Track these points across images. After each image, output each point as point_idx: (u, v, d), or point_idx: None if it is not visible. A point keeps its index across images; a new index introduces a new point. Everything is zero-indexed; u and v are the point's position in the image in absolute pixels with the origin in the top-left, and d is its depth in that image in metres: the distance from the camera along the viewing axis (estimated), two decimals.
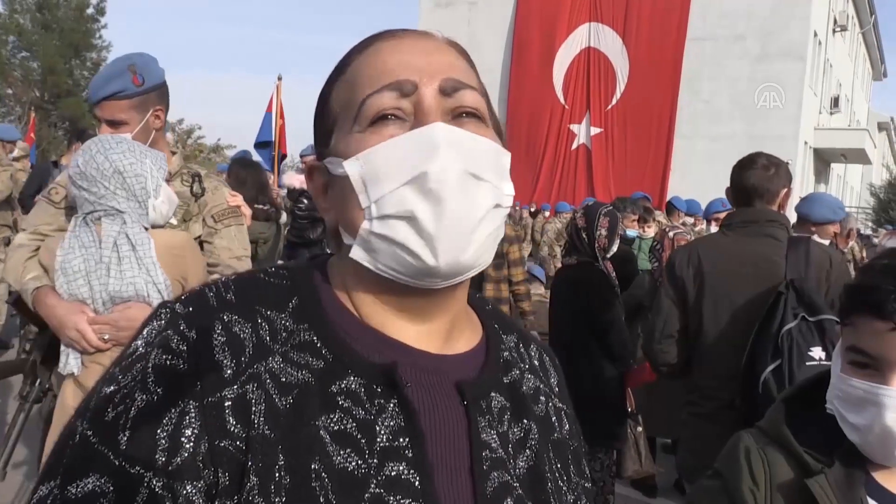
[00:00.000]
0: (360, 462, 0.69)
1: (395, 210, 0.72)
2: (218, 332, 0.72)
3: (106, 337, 2.00)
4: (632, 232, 6.11)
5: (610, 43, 22.94)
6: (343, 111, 0.79)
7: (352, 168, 0.75)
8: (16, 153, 8.17)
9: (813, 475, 1.18)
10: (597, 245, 3.78)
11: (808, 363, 2.40)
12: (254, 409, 0.69)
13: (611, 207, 4.04)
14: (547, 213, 15.22)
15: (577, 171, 23.20)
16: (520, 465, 0.80)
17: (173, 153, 2.47)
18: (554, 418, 0.90)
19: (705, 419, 2.76)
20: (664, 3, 22.06)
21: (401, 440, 0.72)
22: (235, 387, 0.69)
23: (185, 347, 0.70)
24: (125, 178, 2.00)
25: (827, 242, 4.47)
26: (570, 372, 3.71)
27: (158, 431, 0.68)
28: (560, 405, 0.93)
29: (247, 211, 2.63)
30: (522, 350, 0.92)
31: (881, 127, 39.84)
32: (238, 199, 2.56)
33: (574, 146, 23.42)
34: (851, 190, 35.01)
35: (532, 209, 16.13)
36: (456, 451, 0.75)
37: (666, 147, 21.95)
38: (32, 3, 28.19)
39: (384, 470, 0.70)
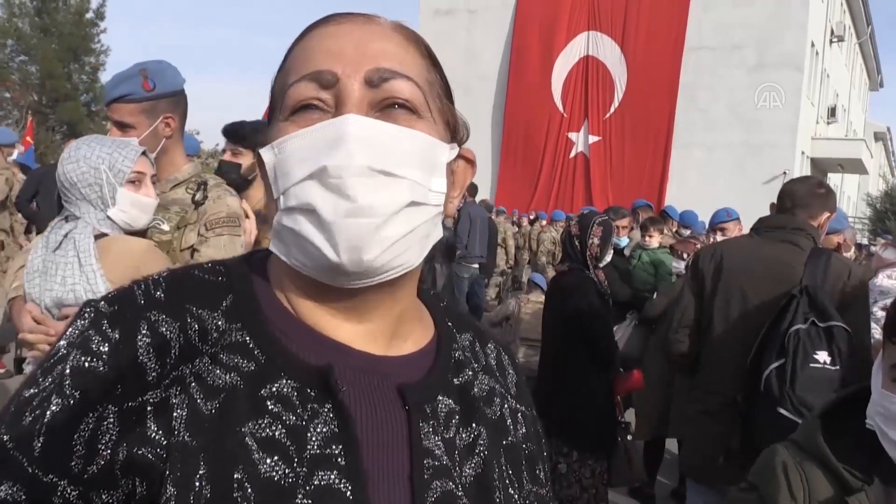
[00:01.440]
0: (287, 471, 0.65)
1: (297, 202, 0.70)
2: (143, 332, 0.68)
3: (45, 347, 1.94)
4: (623, 240, 5.95)
5: (608, 51, 23.01)
6: (276, 99, 0.77)
7: (267, 157, 0.73)
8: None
9: (853, 492, 1.17)
10: (588, 253, 3.80)
11: (811, 364, 2.43)
12: (175, 414, 0.65)
13: (605, 217, 4.06)
14: (543, 222, 15.24)
15: (574, 179, 23.22)
16: (466, 472, 0.76)
17: (190, 161, 2.45)
18: (509, 421, 0.85)
19: (709, 417, 2.80)
20: (662, 13, 22.15)
21: (333, 447, 0.68)
22: (158, 391, 0.66)
23: (105, 349, 0.67)
24: (80, 189, 1.98)
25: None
26: (560, 379, 3.73)
27: (74, 437, 0.64)
28: (517, 406, 0.88)
29: (249, 226, 2.54)
30: (478, 349, 0.88)
31: (878, 137, 39.97)
32: (248, 210, 2.52)
33: (572, 154, 23.45)
34: (848, 200, 35.08)
35: (531, 217, 16.15)
36: (395, 458, 0.71)
37: (664, 156, 22.00)
38: (31, 6, 28.19)
39: (313, 479, 0.66)
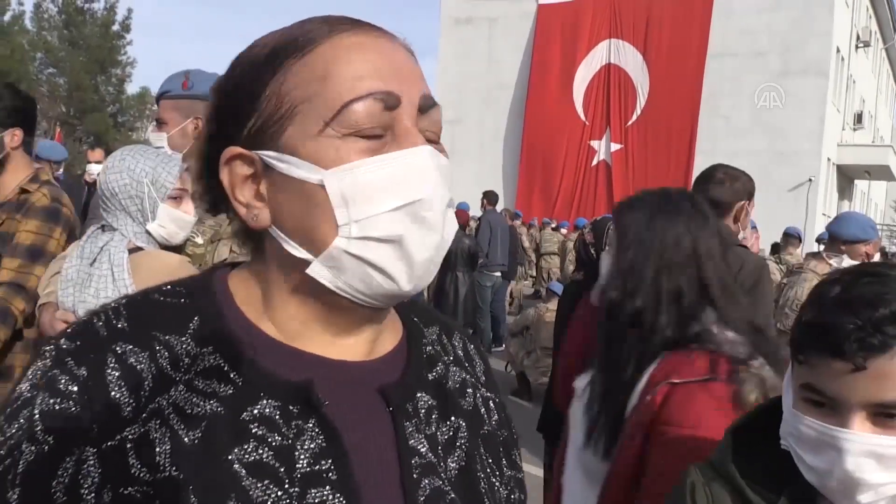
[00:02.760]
0: (279, 493, 0.64)
1: (382, 233, 0.68)
2: (111, 366, 0.65)
3: None
4: None
5: (630, 59, 22.93)
6: (308, 104, 0.69)
7: (331, 181, 0.67)
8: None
9: None
10: None
11: None
12: (158, 448, 0.63)
13: None
14: (564, 230, 15.33)
15: (597, 187, 23.13)
16: (451, 466, 0.76)
17: None
18: (483, 409, 0.86)
19: None
20: (685, 20, 22.03)
21: (322, 463, 0.67)
22: (136, 426, 0.63)
23: (75, 388, 0.64)
24: (120, 199, 1.98)
25: (858, 261, 4.41)
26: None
27: (53, 484, 0.61)
28: (488, 395, 0.88)
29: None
30: (445, 341, 0.87)
31: None
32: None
33: (594, 162, 23.37)
34: (875, 207, 34.58)
35: (553, 224, 16.18)
36: (384, 463, 0.71)
37: (686, 163, 21.83)
38: (60, 20, 28.73)
39: (307, 497, 0.65)
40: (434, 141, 0.73)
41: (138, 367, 0.66)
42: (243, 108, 0.71)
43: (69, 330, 0.70)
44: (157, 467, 0.62)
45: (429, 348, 0.83)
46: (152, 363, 0.66)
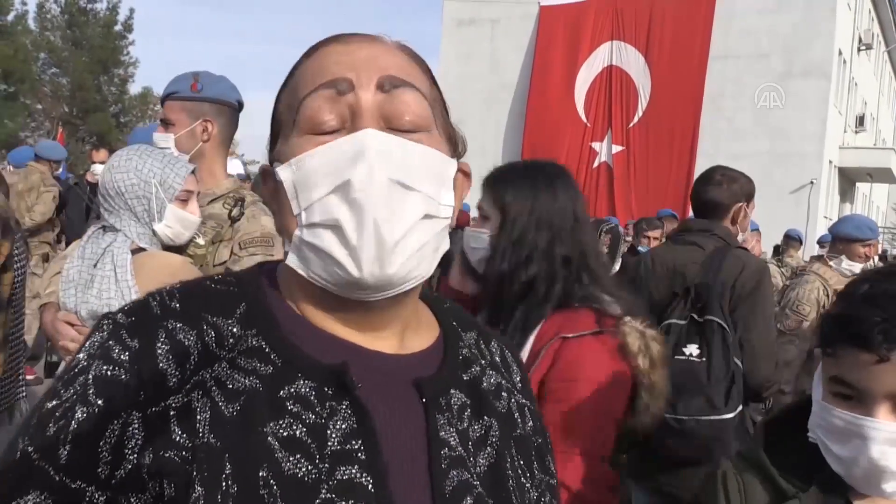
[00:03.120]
0: (310, 467, 0.68)
1: (321, 218, 0.71)
2: (161, 340, 0.70)
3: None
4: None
5: (632, 61, 22.92)
6: (286, 115, 0.78)
7: (285, 174, 0.74)
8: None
9: (787, 499, 1.17)
10: None
11: (677, 356, 2.51)
12: (199, 417, 0.68)
13: (614, 225, 4.04)
14: None
15: (598, 188, 23.11)
16: (480, 462, 0.78)
17: (230, 178, 2.48)
18: (517, 414, 0.88)
19: None
20: (687, 22, 22.02)
21: (353, 443, 0.70)
22: (180, 395, 0.68)
23: (126, 357, 0.69)
24: (126, 199, 1.99)
25: (857, 262, 4.43)
26: None
27: (100, 444, 0.67)
28: (524, 401, 0.91)
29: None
30: (483, 347, 0.90)
31: None
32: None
33: (595, 164, 23.36)
34: (877, 209, 34.53)
35: None
36: (413, 452, 0.74)
37: (688, 165, 21.79)
38: (63, 20, 28.77)
39: (336, 474, 0.68)
40: (402, 127, 0.74)
41: (186, 342, 0.71)
42: (271, 131, 0.81)
43: (126, 307, 0.75)
44: (196, 434, 0.67)
45: (465, 351, 0.86)
46: (199, 340, 0.72)
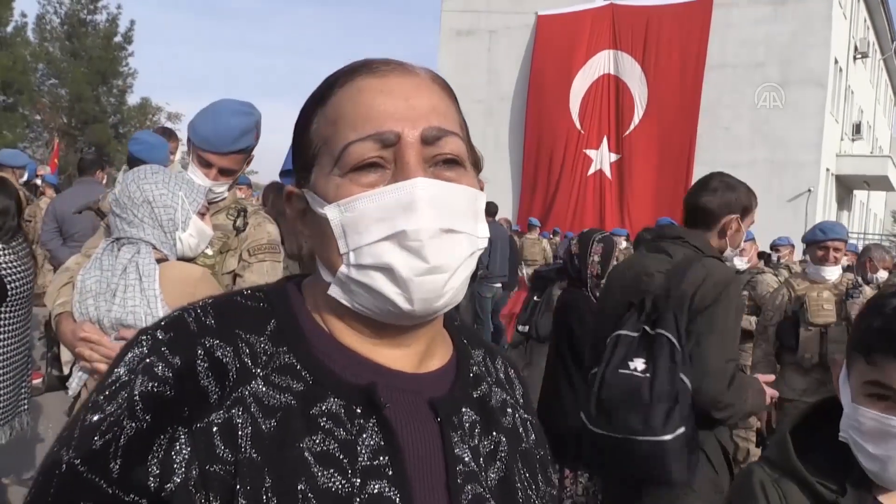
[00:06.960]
0: (343, 482, 0.72)
1: (372, 261, 0.75)
2: (201, 357, 0.73)
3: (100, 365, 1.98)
4: None
5: (629, 70, 22.99)
6: (324, 147, 0.79)
7: (332, 214, 0.77)
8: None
9: None
10: (589, 272, 3.82)
11: (621, 370, 2.44)
12: (240, 432, 0.70)
13: (606, 234, 4.07)
14: (557, 239, 15.51)
15: (593, 197, 23.14)
16: (491, 476, 0.83)
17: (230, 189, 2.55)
18: (521, 429, 0.93)
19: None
20: (683, 31, 22.11)
21: (381, 459, 0.74)
22: (222, 412, 0.71)
23: (170, 374, 0.71)
24: (153, 208, 2.05)
25: (822, 266, 4.51)
26: (554, 394, 3.76)
27: (149, 458, 0.68)
28: (526, 416, 0.96)
29: None
30: (489, 364, 0.95)
31: None
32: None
33: (591, 172, 23.40)
34: (875, 217, 34.61)
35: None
36: (432, 466, 0.78)
37: (686, 173, 21.85)
38: (62, 31, 28.84)
39: (367, 488, 0.72)
40: (443, 170, 0.78)
41: (224, 360, 0.74)
42: (297, 151, 0.84)
43: (163, 322, 0.77)
44: (238, 449, 0.70)
45: (475, 368, 0.91)
46: (236, 358, 0.74)
